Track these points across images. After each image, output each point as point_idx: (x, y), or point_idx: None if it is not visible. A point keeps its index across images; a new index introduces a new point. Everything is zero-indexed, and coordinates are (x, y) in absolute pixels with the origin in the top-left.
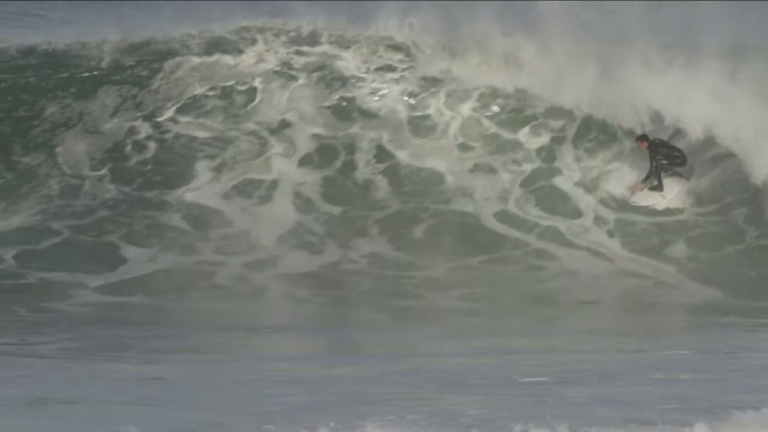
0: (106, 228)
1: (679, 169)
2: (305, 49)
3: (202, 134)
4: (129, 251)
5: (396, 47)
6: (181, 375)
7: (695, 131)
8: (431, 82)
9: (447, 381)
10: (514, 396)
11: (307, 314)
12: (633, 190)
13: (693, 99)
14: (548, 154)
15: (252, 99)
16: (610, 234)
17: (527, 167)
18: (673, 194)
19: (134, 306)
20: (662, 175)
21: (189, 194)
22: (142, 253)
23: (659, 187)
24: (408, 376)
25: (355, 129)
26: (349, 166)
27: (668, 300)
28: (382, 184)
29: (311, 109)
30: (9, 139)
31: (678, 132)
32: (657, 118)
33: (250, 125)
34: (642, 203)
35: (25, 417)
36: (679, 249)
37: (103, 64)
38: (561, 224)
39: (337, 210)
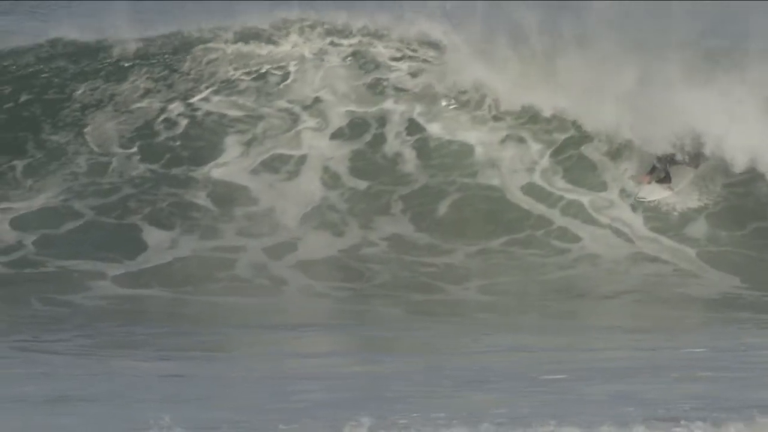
0: (129, 207)
1: (687, 157)
2: (340, 40)
3: (233, 112)
4: (150, 235)
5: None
6: (199, 372)
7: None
8: None
9: (466, 378)
10: (535, 393)
11: (324, 310)
12: (639, 183)
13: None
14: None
15: (285, 79)
16: (633, 209)
17: (558, 137)
18: (683, 185)
19: (151, 300)
20: (668, 165)
21: (216, 170)
22: (163, 237)
23: (667, 179)
24: (427, 373)
25: (388, 104)
26: (380, 140)
27: (686, 292)
28: (411, 158)
29: (345, 86)
30: (39, 119)
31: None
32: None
33: (282, 103)
34: (650, 198)
35: (45, 415)
36: (699, 228)
37: (134, 52)
38: (585, 198)
39: (362, 185)
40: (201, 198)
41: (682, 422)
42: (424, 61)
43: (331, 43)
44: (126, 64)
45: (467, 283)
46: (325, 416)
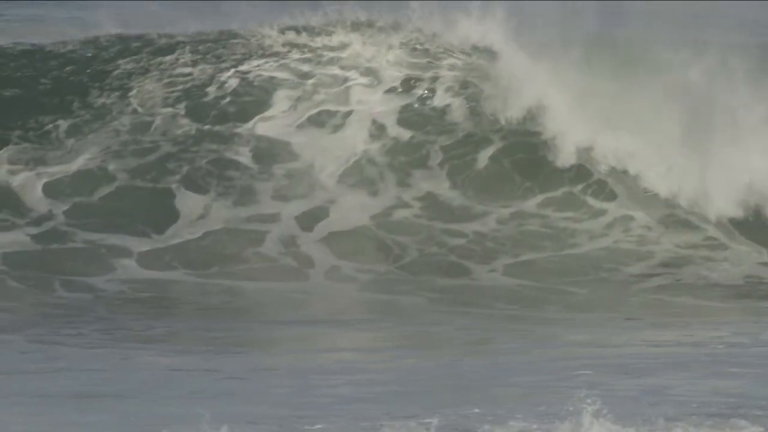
0: (167, 167)
1: None
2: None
3: (283, 74)
4: (183, 201)
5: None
6: (227, 367)
7: None
8: None
9: (489, 374)
10: (562, 389)
11: (348, 301)
12: None
13: None
14: None
15: (339, 49)
16: None
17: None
18: None
19: (174, 286)
20: None
21: (262, 125)
22: (197, 203)
23: None
24: (449, 368)
25: (442, 71)
26: (430, 94)
27: (711, 275)
28: (460, 107)
29: (400, 53)
30: (86, 84)
31: None
32: None
33: (334, 69)
34: None
35: (72, 411)
36: None
37: (180, 35)
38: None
39: (406, 135)
40: (242, 155)
41: (720, 419)
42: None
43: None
44: (172, 41)
45: (494, 262)
46: (364, 414)
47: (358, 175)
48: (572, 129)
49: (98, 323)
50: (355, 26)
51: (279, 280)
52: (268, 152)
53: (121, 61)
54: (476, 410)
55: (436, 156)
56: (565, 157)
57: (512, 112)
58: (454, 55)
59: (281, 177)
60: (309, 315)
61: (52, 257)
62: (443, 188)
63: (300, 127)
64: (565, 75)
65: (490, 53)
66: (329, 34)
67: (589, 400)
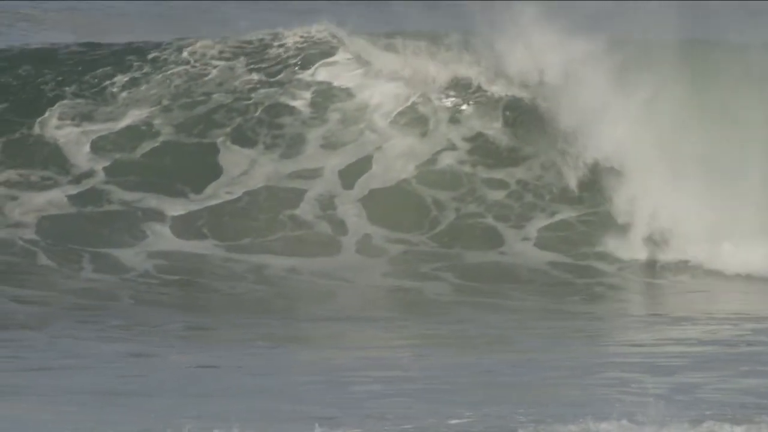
0: (216, 120)
1: None
2: None
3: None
4: (227, 156)
5: None
6: (255, 364)
7: None
8: None
9: (518, 373)
10: (591, 387)
11: (374, 288)
12: None
13: None
14: None
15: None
16: None
17: None
18: None
19: (202, 261)
20: None
21: (323, 71)
22: (241, 158)
23: None
24: (476, 366)
25: None
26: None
27: None
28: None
29: None
30: (144, 41)
31: None
32: None
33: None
34: None
35: (99, 408)
36: None
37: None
38: None
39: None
40: (300, 99)
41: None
42: None
43: None
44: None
45: (528, 226)
46: (402, 414)
47: (411, 115)
48: None
49: (122, 317)
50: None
51: (308, 256)
52: (327, 93)
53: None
54: (512, 409)
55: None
56: None
57: None
58: None
59: (334, 121)
60: (334, 310)
61: (86, 223)
62: (494, 128)
63: (361, 73)
64: None
65: None
66: None
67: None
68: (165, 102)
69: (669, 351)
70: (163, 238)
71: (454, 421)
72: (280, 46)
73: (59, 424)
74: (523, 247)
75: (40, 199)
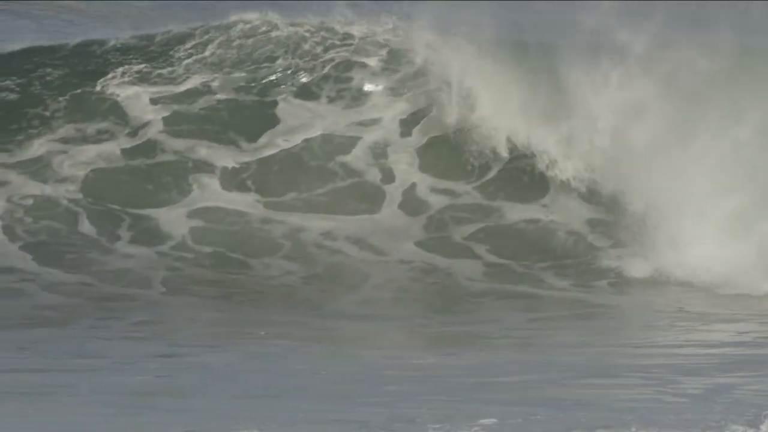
0: (275, 81)
1: None
2: None
3: None
4: (287, 109)
5: None
6: (285, 364)
7: None
8: None
9: (546, 374)
10: (634, 386)
11: (407, 273)
12: None
13: None
14: None
15: None
16: None
17: None
18: None
19: (239, 226)
20: None
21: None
22: (300, 111)
23: None
24: (507, 366)
25: None
26: None
27: None
28: None
29: None
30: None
31: None
32: None
33: None
34: None
35: (136, 409)
36: None
37: None
38: None
39: None
40: (374, 53)
41: None
42: None
43: None
44: None
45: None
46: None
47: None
48: None
49: (150, 310)
50: None
51: (348, 213)
52: (399, 54)
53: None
54: (540, 409)
55: None
56: None
57: None
58: None
59: (395, 80)
60: (360, 302)
61: (132, 179)
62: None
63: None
64: None
65: None
66: None
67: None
68: (227, 65)
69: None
70: (208, 191)
71: (484, 421)
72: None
73: (99, 427)
74: (566, 204)
75: (91, 151)
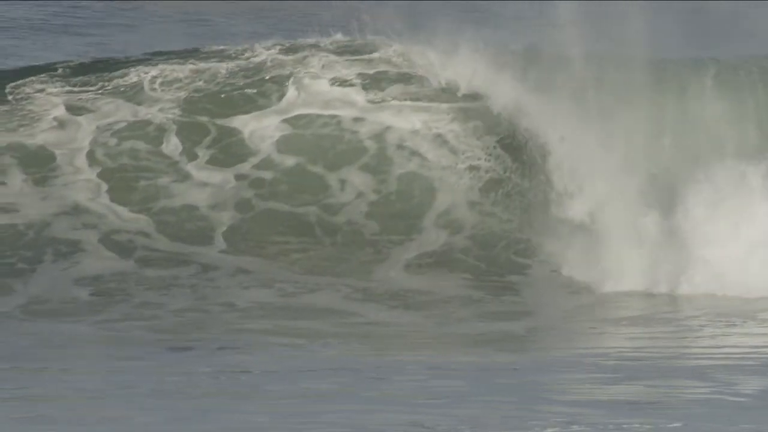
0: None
1: None
2: None
3: None
4: None
5: None
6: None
7: None
8: None
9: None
10: (690, 387)
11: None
12: None
13: None
14: None
15: None
16: None
17: None
18: None
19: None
20: None
21: None
22: None
23: None
24: (557, 365)
25: None
26: None
27: None
28: None
29: None
30: None
31: None
32: None
33: None
34: None
35: (199, 411)
36: None
37: None
38: None
39: None
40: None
41: None
42: None
43: None
44: None
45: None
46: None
47: None
48: None
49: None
50: None
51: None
52: None
53: None
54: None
55: None
56: None
57: None
58: None
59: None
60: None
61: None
62: None
63: None
64: None
65: None
66: None
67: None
68: None
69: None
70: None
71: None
72: None
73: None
74: None
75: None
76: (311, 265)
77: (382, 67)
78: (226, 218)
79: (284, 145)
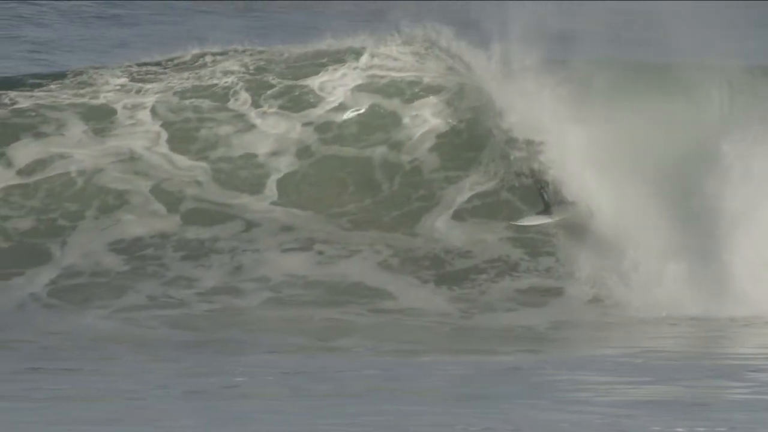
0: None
1: None
2: None
3: None
4: None
5: None
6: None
7: None
8: None
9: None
10: (731, 389)
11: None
12: None
13: None
14: None
15: None
16: None
17: None
18: None
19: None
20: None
21: None
22: None
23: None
24: (591, 364)
25: None
26: None
27: None
28: None
29: None
30: None
31: None
32: None
33: None
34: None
35: (233, 410)
36: None
37: None
38: None
39: None
40: None
41: None
42: None
43: None
44: None
45: None
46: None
47: None
48: None
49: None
50: None
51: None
52: None
53: None
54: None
55: None
56: None
57: None
58: None
59: None
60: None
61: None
62: None
63: None
64: None
65: None
66: None
67: None
68: None
69: None
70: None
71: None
72: None
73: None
74: None
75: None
76: (357, 218)
77: None
78: (283, 165)
79: (358, 91)
